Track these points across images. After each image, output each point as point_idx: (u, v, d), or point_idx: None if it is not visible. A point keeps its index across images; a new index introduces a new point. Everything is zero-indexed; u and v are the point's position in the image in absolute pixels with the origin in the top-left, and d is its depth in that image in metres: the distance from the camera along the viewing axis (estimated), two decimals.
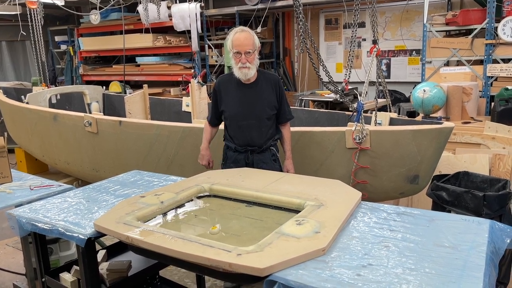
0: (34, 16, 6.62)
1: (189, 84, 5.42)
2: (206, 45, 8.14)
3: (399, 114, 5.69)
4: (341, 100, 4.02)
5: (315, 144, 3.45)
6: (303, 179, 2.64)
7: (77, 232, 2.09)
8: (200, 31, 7.22)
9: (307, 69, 7.98)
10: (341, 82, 3.96)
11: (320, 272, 1.58)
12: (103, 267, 2.44)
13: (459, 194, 2.98)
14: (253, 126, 3.03)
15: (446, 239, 1.80)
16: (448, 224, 1.95)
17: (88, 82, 9.46)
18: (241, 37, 2.89)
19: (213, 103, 3.19)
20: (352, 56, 3.79)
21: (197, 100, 5.43)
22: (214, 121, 3.23)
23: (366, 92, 3.47)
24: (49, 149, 5.36)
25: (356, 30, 3.72)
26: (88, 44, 9.49)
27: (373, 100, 4.21)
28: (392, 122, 3.93)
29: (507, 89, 4.63)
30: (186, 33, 7.39)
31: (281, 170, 3.15)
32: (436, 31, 5.47)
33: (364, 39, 7.73)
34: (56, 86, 9.19)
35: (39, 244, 2.46)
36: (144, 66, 8.78)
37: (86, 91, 6.53)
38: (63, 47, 10.58)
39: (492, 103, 4.75)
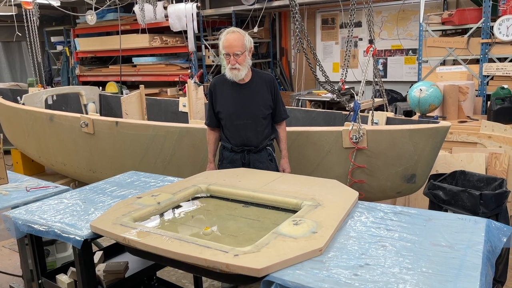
0: (30, 17, 6.60)
1: (186, 85, 5.42)
2: (203, 45, 8.13)
3: (395, 113, 5.69)
4: (338, 99, 4.02)
5: (312, 144, 3.45)
6: (300, 179, 2.64)
7: (73, 233, 2.08)
8: (196, 31, 7.22)
9: (303, 69, 7.99)
10: (337, 82, 3.96)
11: (317, 272, 1.58)
12: (100, 269, 2.44)
13: (455, 193, 2.98)
14: (249, 126, 3.02)
15: (443, 238, 1.80)
16: (445, 223, 1.95)
17: (85, 83, 9.44)
18: (231, 39, 2.88)
19: (209, 104, 3.18)
20: (349, 56, 3.79)
21: (194, 101, 5.42)
22: (213, 122, 3.19)
23: (363, 91, 3.48)
24: (46, 150, 5.34)
25: (352, 30, 3.72)
26: (84, 45, 9.47)
27: (369, 100, 4.21)
28: (389, 121, 3.93)
29: (503, 88, 4.64)
30: (183, 33, 7.39)
31: (277, 170, 3.14)
32: (432, 31, 5.48)
33: (361, 39, 7.74)
34: (52, 87, 9.18)
35: (36, 246, 2.46)
36: (141, 66, 8.77)
37: (82, 92, 6.52)
38: (59, 47, 10.54)
39: (489, 102, 4.76)
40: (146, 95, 5.98)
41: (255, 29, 7.48)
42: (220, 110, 3.08)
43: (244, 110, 3.01)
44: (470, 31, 5.15)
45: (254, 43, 3.24)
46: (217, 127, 3.21)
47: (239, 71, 2.92)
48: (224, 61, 2.97)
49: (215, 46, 8.32)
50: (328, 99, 6.22)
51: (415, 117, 4.72)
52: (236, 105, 3.03)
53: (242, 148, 3.05)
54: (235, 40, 2.87)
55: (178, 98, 6.11)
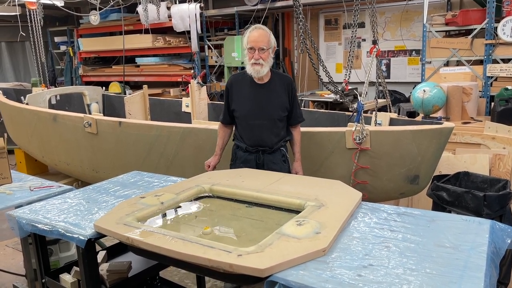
0: (34, 17, 6.62)
1: (189, 85, 5.43)
2: (206, 46, 8.15)
3: (399, 114, 5.69)
4: (341, 100, 4.02)
5: (315, 144, 3.45)
6: (303, 179, 2.64)
7: (77, 233, 2.09)
8: (199, 31, 7.23)
9: (306, 70, 7.99)
10: (341, 83, 3.96)
11: (320, 273, 1.58)
12: (103, 268, 2.44)
13: (459, 195, 2.97)
14: (265, 126, 3.00)
15: (446, 239, 1.80)
16: (448, 224, 1.95)
17: (88, 83, 9.46)
18: (256, 34, 2.89)
19: (224, 101, 3.15)
20: (352, 57, 3.79)
21: (196, 101, 5.43)
22: (227, 119, 3.17)
23: (366, 92, 3.47)
24: (49, 150, 5.36)
25: (356, 31, 3.72)
26: (87, 45, 9.49)
27: (373, 100, 4.22)
28: (392, 122, 3.93)
29: (507, 89, 4.63)
30: (186, 34, 7.39)
31: (290, 171, 3.13)
32: (436, 31, 5.48)
33: (364, 39, 7.73)
34: (55, 87, 9.19)
35: (39, 245, 2.46)
36: (144, 66, 8.78)
37: (85, 92, 6.53)
38: (63, 47, 10.57)
39: (492, 103, 4.75)
40: (149, 95, 6.00)
41: None
42: (235, 108, 3.06)
43: (261, 110, 2.99)
44: (474, 32, 5.14)
45: None
46: (229, 124, 3.20)
47: (262, 67, 2.89)
48: (246, 57, 2.94)
49: (218, 47, 8.33)
50: (331, 100, 6.22)
51: (419, 118, 4.71)
52: (252, 104, 3.00)
53: (257, 148, 3.02)
54: (261, 36, 2.88)
55: (181, 98, 6.12)
